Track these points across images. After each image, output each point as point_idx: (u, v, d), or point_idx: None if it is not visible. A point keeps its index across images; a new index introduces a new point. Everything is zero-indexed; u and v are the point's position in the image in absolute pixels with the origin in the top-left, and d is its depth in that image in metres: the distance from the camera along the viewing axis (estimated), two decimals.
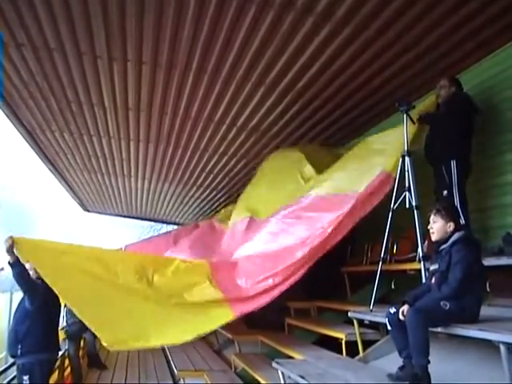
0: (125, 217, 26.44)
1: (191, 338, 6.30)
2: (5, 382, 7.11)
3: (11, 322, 6.89)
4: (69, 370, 10.50)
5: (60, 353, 8.51)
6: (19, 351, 6.51)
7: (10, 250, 5.97)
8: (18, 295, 7.20)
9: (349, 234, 8.26)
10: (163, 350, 13.22)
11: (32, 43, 8.11)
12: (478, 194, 7.01)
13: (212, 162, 14.04)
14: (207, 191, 17.40)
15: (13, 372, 7.09)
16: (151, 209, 22.38)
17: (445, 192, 6.53)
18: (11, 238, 6.02)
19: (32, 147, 14.12)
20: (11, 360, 7.30)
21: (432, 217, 5.14)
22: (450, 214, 5.06)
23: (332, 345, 7.59)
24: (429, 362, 4.41)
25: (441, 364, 4.84)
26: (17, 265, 6.10)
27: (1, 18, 7.44)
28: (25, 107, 11.02)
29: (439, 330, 4.77)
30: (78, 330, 10.41)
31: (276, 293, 7.02)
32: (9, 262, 6.09)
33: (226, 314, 6.23)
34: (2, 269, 6.39)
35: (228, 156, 13.30)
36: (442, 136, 6.68)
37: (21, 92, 10.11)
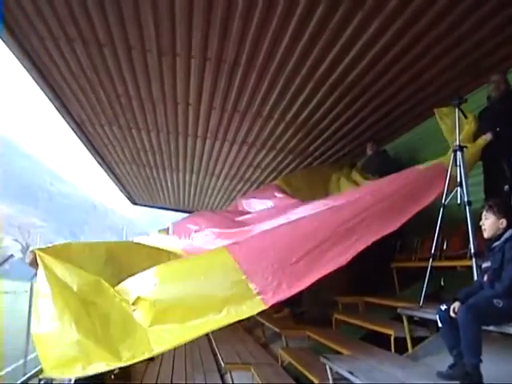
0: (172, 210, 26.65)
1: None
2: None
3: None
4: None
5: None
6: None
7: (33, 264, 5.94)
8: None
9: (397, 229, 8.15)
10: (210, 343, 13.30)
11: (82, 38, 8.25)
12: None
13: (259, 157, 14.04)
14: (254, 186, 17.40)
15: None
16: (198, 202, 22.51)
17: (506, 187, 6.41)
18: (33, 252, 5.87)
19: (81, 140, 14.34)
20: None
21: (484, 213, 5.06)
22: (502, 210, 4.96)
23: (379, 341, 7.53)
24: (481, 361, 4.33)
25: (493, 364, 4.75)
26: None
27: (53, 13, 7.59)
28: (75, 100, 11.19)
29: (491, 328, 4.68)
30: None
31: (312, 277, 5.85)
32: None
33: (257, 305, 5.63)
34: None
35: (276, 151, 13.27)
36: (500, 133, 6.55)
37: (71, 85, 10.28)
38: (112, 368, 5.14)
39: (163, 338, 5.12)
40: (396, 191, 6.43)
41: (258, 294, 5.33)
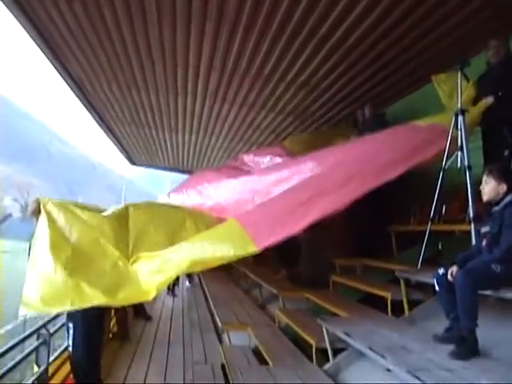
0: (171, 170, 26.65)
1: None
2: (55, 327, 7.28)
3: None
4: (114, 320, 10.74)
5: None
6: None
7: (35, 213, 5.98)
8: None
9: (395, 189, 8.12)
10: (208, 304, 13.40)
11: None
12: None
13: (259, 118, 13.98)
14: (253, 147, 17.37)
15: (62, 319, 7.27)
16: (197, 162, 22.47)
17: (506, 152, 6.39)
18: (37, 200, 6.00)
19: (80, 99, 14.21)
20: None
21: (484, 177, 5.05)
22: (502, 175, 4.94)
23: (376, 304, 7.57)
24: (477, 325, 4.37)
25: (489, 328, 4.78)
26: None
27: None
28: (74, 60, 11.04)
29: (489, 293, 4.70)
30: None
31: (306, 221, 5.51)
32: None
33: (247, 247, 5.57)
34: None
35: (276, 112, 13.21)
36: (501, 97, 6.48)
37: (70, 45, 10.12)
38: (102, 304, 5.22)
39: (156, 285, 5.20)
40: (396, 141, 6.43)
41: (252, 239, 5.28)
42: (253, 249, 5.10)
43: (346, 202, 5.58)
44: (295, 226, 5.30)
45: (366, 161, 6.09)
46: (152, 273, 5.33)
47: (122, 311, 10.47)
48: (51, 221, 5.74)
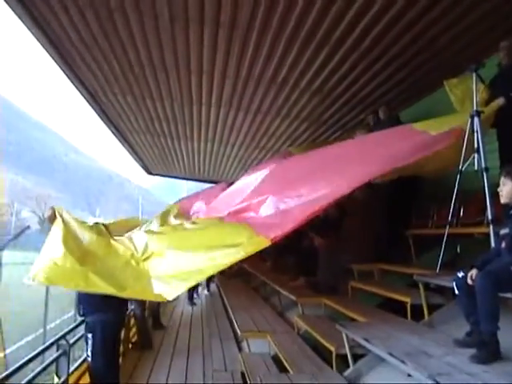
0: (187, 179, 26.74)
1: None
2: (76, 337, 7.34)
3: None
4: (134, 329, 10.79)
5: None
6: (81, 311, 6.82)
7: (50, 219, 6.24)
8: None
9: (412, 193, 8.07)
10: (226, 311, 13.40)
11: (93, 5, 8.16)
12: None
13: (274, 125, 14.01)
14: (269, 154, 17.39)
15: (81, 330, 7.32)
16: (213, 171, 22.55)
17: None
18: (52, 208, 6.36)
19: (95, 110, 14.33)
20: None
21: (502, 179, 4.99)
22: None
23: (396, 309, 7.53)
24: (498, 328, 4.31)
25: (511, 331, 4.73)
26: None
27: None
28: (87, 69, 11.14)
29: (509, 295, 4.64)
30: None
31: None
32: None
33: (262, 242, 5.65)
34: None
35: (290, 118, 13.23)
36: None
37: (83, 54, 10.20)
38: (108, 292, 5.37)
39: (169, 286, 5.36)
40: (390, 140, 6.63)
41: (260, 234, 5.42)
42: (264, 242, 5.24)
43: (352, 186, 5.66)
44: (304, 215, 5.40)
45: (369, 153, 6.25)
46: (168, 277, 5.42)
47: (143, 320, 10.56)
48: (65, 223, 6.04)
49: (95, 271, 5.45)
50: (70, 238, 5.87)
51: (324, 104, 11.85)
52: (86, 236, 6.09)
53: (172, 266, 5.51)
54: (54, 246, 5.73)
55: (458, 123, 6.31)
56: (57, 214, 6.12)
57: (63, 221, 6.04)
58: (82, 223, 6.39)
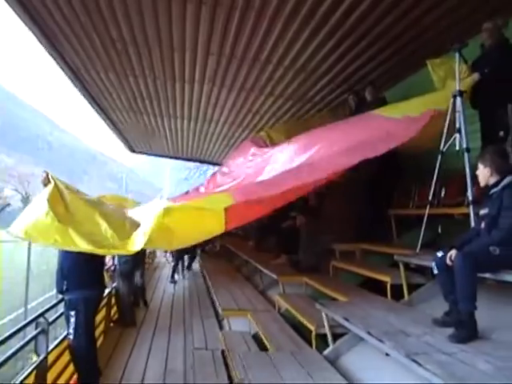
0: (171, 158, 26.63)
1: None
2: (54, 316, 7.28)
3: (57, 259, 7.02)
4: (115, 307, 10.77)
5: (106, 291, 8.82)
6: (65, 287, 6.75)
7: (44, 182, 6.20)
8: None
9: (395, 174, 8.07)
10: (208, 290, 13.43)
11: None
12: None
13: (258, 103, 13.93)
14: (253, 132, 17.31)
15: (61, 308, 7.26)
16: (197, 150, 22.44)
17: (501, 132, 6.35)
18: (46, 172, 6.31)
19: (77, 88, 14.14)
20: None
21: (478, 163, 5.04)
22: (488, 159, 5.01)
23: (377, 288, 7.56)
24: (475, 307, 4.34)
25: (488, 311, 4.77)
26: None
27: None
28: (69, 46, 10.96)
29: (487, 275, 4.67)
30: (131, 269, 10.67)
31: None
32: None
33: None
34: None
35: (274, 97, 13.15)
36: (499, 79, 6.41)
37: (64, 31, 10.04)
38: (87, 250, 5.50)
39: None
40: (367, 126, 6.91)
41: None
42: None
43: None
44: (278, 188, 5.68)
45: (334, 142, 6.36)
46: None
47: (127, 298, 10.55)
48: (56, 186, 6.09)
49: (74, 228, 5.54)
50: (55, 198, 5.94)
51: (308, 82, 11.78)
52: (73, 202, 6.13)
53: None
54: (39, 204, 5.81)
55: (433, 105, 6.32)
56: (50, 177, 6.15)
57: (55, 184, 6.09)
58: (72, 189, 6.47)
